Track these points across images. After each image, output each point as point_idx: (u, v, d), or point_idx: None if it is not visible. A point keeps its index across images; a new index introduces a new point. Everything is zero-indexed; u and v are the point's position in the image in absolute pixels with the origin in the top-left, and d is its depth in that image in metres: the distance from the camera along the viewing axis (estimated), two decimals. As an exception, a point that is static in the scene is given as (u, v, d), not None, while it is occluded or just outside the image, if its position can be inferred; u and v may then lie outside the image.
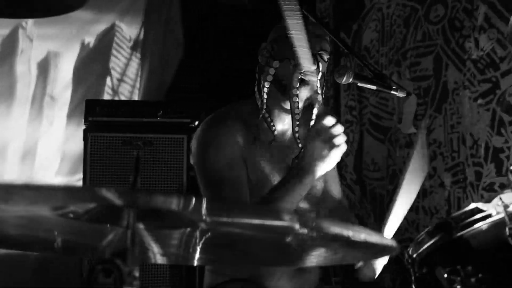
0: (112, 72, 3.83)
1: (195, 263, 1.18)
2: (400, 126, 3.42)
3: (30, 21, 3.65)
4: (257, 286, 1.85)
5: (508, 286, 1.22)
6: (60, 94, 3.73)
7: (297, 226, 1.00)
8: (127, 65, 3.86)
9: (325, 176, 2.00)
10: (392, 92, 1.95)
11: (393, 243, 0.99)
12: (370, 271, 1.78)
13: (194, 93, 3.72)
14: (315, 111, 1.82)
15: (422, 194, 3.19)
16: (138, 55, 3.89)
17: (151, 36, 3.90)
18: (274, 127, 1.85)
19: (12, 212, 0.98)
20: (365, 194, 3.67)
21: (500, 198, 1.22)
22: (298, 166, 1.73)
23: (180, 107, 3.18)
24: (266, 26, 1.98)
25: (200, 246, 1.12)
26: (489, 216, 1.24)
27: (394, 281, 2.97)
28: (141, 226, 1.02)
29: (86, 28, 3.78)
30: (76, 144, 3.41)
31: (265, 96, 1.83)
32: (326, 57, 1.83)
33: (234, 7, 3.89)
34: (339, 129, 1.70)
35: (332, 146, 1.69)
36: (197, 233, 1.08)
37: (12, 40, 3.66)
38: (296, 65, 1.76)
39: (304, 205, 1.93)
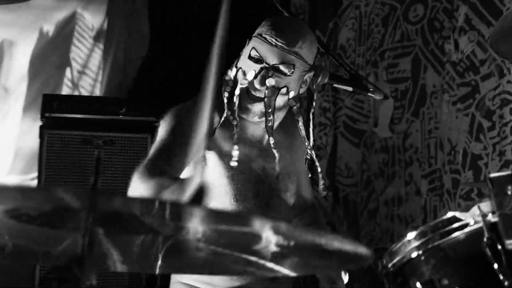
0: (73, 63, 3.78)
1: (157, 271, 1.17)
2: (376, 129, 3.45)
3: (-17, 8, 3.58)
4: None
5: (484, 299, 1.24)
6: (15, 86, 3.65)
7: (267, 233, 1.00)
8: (89, 56, 3.82)
9: (297, 178, 2.02)
10: (369, 94, 1.97)
11: (367, 252, 1.00)
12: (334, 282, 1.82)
13: (160, 89, 3.70)
14: (267, 125, 1.84)
15: (398, 201, 3.22)
16: (101, 46, 3.85)
17: (115, 27, 3.87)
18: (236, 134, 1.86)
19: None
20: (338, 201, 3.69)
21: (479, 207, 1.24)
22: None
23: (144, 104, 3.16)
24: (243, 18, 1.98)
25: (163, 253, 1.11)
26: (467, 225, 1.26)
27: (367, 292, 3.00)
28: (100, 231, 1.01)
29: (45, 16, 3.72)
30: (31, 141, 3.35)
31: (225, 100, 1.84)
32: (286, 70, 1.79)
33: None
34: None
35: None
36: (160, 239, 1.07)
37: (-37, 27, 3.58)
38: (243, 77, 1.80)
39: (276, 212, 1.94)
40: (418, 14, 3.24)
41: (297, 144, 2.02)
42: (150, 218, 1.00)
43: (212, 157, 1.86)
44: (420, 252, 1.31)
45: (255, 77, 1.77)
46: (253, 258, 1.09)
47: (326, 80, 1.92)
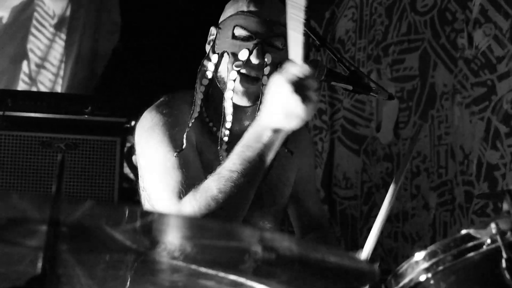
0: (30, 55, 3.77)
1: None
2: (379, 135, 3.47)
3: None
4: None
5: (501, 329, 1.25)
6: (-36, 81, 3.64)
7: (255, 247, 1.00)
8: (49, 47, 3.81)
9: (298, 192, 2.03)
10: (371, 94, 1.97)
11: (373, 269, 0.99)
12: None
13: (132, 86, 3.69)
14: None
15: (403, 217, 3.24)
16: (64, 36, 3.84)
17: (80, 13, 3.86)
18: (216, 130, 1.88)
19: None
20: (335, 215, 3.70)
21: (496, 224, 1.24)
22: (256, 123, 1.68)
23: (113, 103, 3.16)
24: (218, 6, 2.00)
25: (132, 273, 1.11)
26: (483, 244, 1.26)
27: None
28: (63, 247, 1.00)
29: (-2, 0, 3.71)
30: (-18, 143, 3.33)
31: (199, 96, 1.87)
32: (279, 43, 1.85)
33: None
34: (314, 84, 1.64)
35: (305, 98, 1.56)
36: (130, 257, 1.07)
37: None
38: (234, 59, 1.82)
39: (265, 223, 1.94)
40: (427, 4, 3.26)
41: (300, 149, 2.03)
42: (120, 232, 0.99)
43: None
44: (430, 275, 1.32)
45: (251, 53, 1.79)
46: (238, 279, 1.09)
47: (322, 77, 1.92)
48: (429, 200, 3.13)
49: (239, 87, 1.82)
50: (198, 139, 1.88)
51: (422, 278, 1.32)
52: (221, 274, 1.09)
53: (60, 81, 3.83)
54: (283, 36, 1.85)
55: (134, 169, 3.18)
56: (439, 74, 3.16)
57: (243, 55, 1.81)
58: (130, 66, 3.83)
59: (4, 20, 3.74)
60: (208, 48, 1.93)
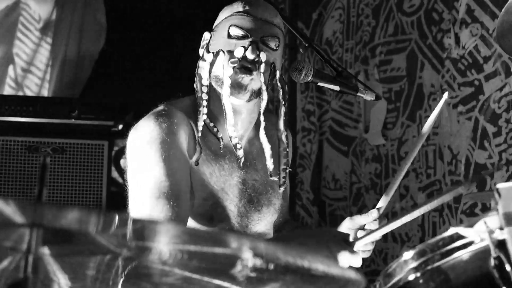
0: (16, 60, 3.75)
1: (115, 299, 1.15)
2: (367, 136, 3.47)
3: None
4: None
5: (491, 328, 1.24)
6: (-51, 86, 3.62)
7: (245, 254, 0.99)
8: (35, 51, 3.79)
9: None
10: (359, 94, 1.98)
11: (358, 276, 1.00)
12: None
13: (118, 89, 3.68)
14: (262, 106, 1.92)
15: (392, 217, 3.24)
16: (50, 40, 3.82)
17: (66, 18, 3.84)
18: (220, 134, 1.90)
19: None
20: (324, 216, 3.69)
21: (485, 222, 1.24)
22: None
23: (100, 107, 3.14)
24: (209, 10, 2.03)
25: (123, 278, 1.10)
26: (471, 243, 1.26)
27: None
28: (46, 251, 0.99)
29: (-17, 4, 3.68)
30: (-32, 148, 3.31)
31: (204, 97, 1.88)
32: (273, 43, 1.88)
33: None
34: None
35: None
36: (119, 262, 1.06)
37: None
38: (230, 56, 1.85)
39: (261, 230, 1.96)
40: (414, 4, 3.27)
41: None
42: (106, 237, 0.98)
43: (191, 172, 1.87)
44: (418, 274, 1.31)
45: (246, 49, 1.83)
46: (228, 285, 1.09)
47: (310, 78, 1.93)
48: (418, 200, 3.13)
49: (234, 78, 1.84)
50: (189, 152, 1.87)
51: (411, 277, 1.32)
52: (213, 280, 1.08)
53: (46, 85, 3.81)
54: (277, 37, 1.88)
55: (122, 173, 3.17)
56: (427, 75, 3.17)
57: (238, 52, 1.84)
58: (117, 69, 3.82)
59: (-11, 25, 3.72)
60: (201, 51, 1.96)
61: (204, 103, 1.88)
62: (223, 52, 1.86)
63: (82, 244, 1.00)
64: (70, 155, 3.06)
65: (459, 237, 1.27)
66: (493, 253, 1.21)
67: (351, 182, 3.55)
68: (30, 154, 3.00)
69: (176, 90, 2.01)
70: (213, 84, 1.90)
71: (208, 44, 1.93)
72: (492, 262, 1.21)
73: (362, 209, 3.42)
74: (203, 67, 1.90)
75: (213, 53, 1.89)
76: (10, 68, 3.74)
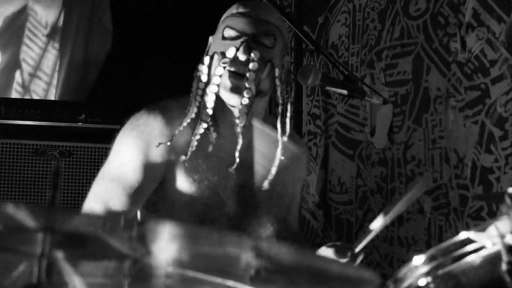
0: (23, 65, 3.75)
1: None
2: (373, 139, 3.46)
3: None
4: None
5: (502, 333, 1.23)
6: (-43, 90, 3.63)
7: (249, 255, 0.98)
8: (42, 57, 3.79)
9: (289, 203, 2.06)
10: (367, 98, 1.97)
11: (373, 276, 0.99)
12: None
13: (125, 93, 3.68)
14: (261, 106, 1.95)
15: (398, 222, 3.23)
16: (56, 45, 3.83)
17: (73, 23, 3.84)
18: (215, 135, 1.89)
19: None
20: (330, 220, 3.69)
21: (496, 226, 1.23)
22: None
23: (106, 110, 3.15)
24: (215, 14, 2.04)
25: (130, 279, 1.10)
26: (483, 248, 1.25)
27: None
28: (59, 254, 0.99)
29: (-9, 10, 3.69)
30: (-25, 152, 3.32)
31: (198, 99, 1.92)
32: (267, 41, 1.88)
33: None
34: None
35: None
36: (127, 264, 1.05)
37: None
38: (222, 56, 1.87)
39: (263, 231, 1.94)
40: (420, 8, 3.26)
41: (297, 163, 2.04)
42: (116, 239, 0.98)
43: (179, 170, 1.86)
44: (429, 279, 1.30)
45: (237, 49, 1.84)
46: (232, 284, 1.08)
47: (317, 82, 1.92)
48: (424, 204, 3.12)
49: (227, 82, 1.85)
50: (186, 141, 1.90)
51: (422, 282, 1.31)
52: (217, 280, 1.08)
53: (53, 90, 3.81)
54: (273, 35, 1.88)
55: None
56: (433, 78, 3.16)
57: (230, 52, 1.85)
58: (123, 73, 3.82)
59: (-4, 31, 3.73)
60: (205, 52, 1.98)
61: (196, 103, 1.90)
62: (217, 53, 1.88)
63: (93, 247, 1.00)
64: (77, 158, 3.07)
65: (470, 241, 1.26)
66: (505, 257, 1.21)
67: (357, 185, 3.54)
68: (37, 157, 3.02)
69: (183, 93, 2.02)
70: (210, 86, 1.91)
71: (208, 48, 1.95)
72: (504, 266, 1.21)
73: (368, 213, 3.41)
74: (201, 70, 1.92)
75: (210, 56, 1.91)
76: (17, 73, 3.75)
